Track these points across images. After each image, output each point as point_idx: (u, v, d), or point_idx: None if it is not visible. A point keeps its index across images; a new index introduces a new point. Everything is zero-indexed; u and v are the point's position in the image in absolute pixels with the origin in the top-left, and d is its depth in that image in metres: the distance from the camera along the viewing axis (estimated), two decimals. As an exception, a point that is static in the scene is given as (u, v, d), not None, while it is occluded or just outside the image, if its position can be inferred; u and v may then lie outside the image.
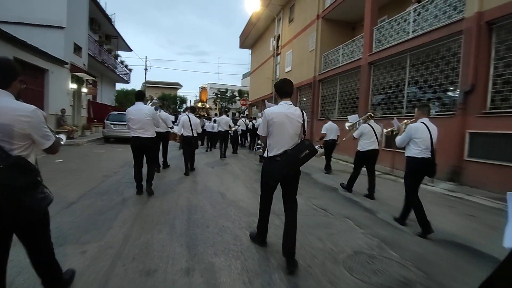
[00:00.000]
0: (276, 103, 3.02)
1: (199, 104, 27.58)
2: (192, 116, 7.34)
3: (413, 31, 8.88)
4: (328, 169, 8.47)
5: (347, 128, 6.41)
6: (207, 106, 27.62)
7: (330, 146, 8.48)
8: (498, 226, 4.20)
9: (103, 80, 22.98)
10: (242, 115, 33.36)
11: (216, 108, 27.40)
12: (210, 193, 5.31)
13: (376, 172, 8.62)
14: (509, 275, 1.09)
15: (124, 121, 13.26)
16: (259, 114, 13.84)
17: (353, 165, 6.21)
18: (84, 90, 16.27)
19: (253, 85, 29.63)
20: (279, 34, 21.15)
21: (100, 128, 16.10)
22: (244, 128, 14.71)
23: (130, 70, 29.00)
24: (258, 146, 9.29)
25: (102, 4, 19.23)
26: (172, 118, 8.74)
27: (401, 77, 9.42)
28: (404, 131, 4.12)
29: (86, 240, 3.10)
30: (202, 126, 15.58)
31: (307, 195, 5.64)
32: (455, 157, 7.04)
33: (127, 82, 28.93)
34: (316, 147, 2.82)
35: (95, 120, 17.77)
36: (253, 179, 6.85)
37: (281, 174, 2.72)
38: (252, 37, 27.38)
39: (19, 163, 1.59)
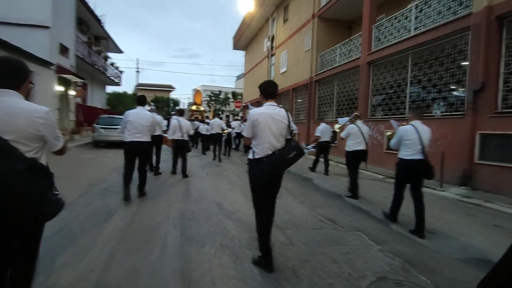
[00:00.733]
0: (260, 105, 2.97)
1: (194, 107, 27.10)
2: (181, 119, 7.27)
3: (415, 29, 8.53)
4: (326, 170, 8.42)
5: (336, 130, 6.47)
6: (202, 108, 27.12)
7: (324, 148, 8.49)
8: (528, 238, 3.80)
9: (94, 83, 22.27)
10: (236, 117, 32.97)
11: (210, 111, 26.84)
12: (205, 203, 4.81)
13: (380, 176, 8.34)
14: (508, 272, 0.87)
15: (115, 125, 12.95)
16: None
17: (346, 167, 6.12)
18: (72, 92, 15.61)
19: (247, 87, 29.18)
20: (273, 35, 20.76)
21: (91, 132, 15.45)
22: (239, 131, 14.54)
23: (121, 72, 28.30)
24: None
25: (91, 5, 18.62)
26: (165, 122, 8.60)
27: (402, 76, 9.05)
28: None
29: (62, 263, 2.62)
30: (196, 129, 15.53)
31: (311, 203, 5.19)
32: (465, 160, 6.66)
33: (118, 84, 28.17)
34: (309, 146, 2.79)
35: (85, 124, 17.09)
36: (251, 185, 6.36)
37: (268, 175, 2.68)
38: (245, 38, 26.95)
39: (36, 165, 1.55)
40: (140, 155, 4.93)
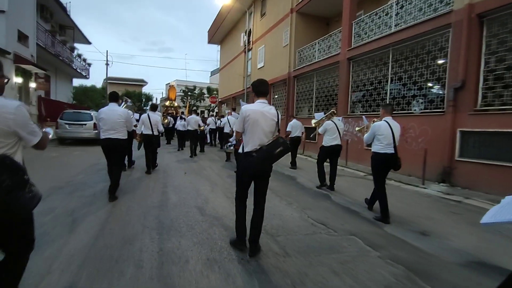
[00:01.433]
0: (251, 101, 3.12)
1: (167, 103, 26.16)
2: (152, 114, 7.31)
3: (395, 25, 8.50)
4: (293, 164, 8.84)
5: (313, 124, 6.75)
6: (176, 104, 26.23)
7: (295, 143, 8.80)
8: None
9: (58, 75, 20.68)
10: (211, 113, 32.24)
11: (185, 107, 25.95)
12: (186, 208, 4.37)
13: (361, 174, 8.28)
14: None
15: (81, 121, 12.03)
16: (227, 112, 13.93)
17: (316, 160, 6.50)
18: (33, 85, 14.31)
19: (222, 82, 28.53)
20: (250, 29, 20.32)
21: (54, 128, 14.27)
22: (214, 127, 14.67)
23: (89, 64, 26.63)
24: (229, 144, 8.66)
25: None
26: (137, 116, 8.51)
27: (383, 73, 9.03)
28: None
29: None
30: (173, 125, 15.15)
31: (299, 205, 4.91)
32: (445, 157, 6.70)
33: (85, 77, 26.47)
34: None
35: (48, 119, 15.76)
36: (232, 186, 5.92)
37: (256, 169, 2.84)
38: (221, 32, 26.24)
39: (4, 162, 1.52)
40: (114, 153, 4.80)
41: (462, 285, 2.61)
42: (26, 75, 13.32)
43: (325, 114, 6.56)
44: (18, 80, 12.63)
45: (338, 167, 8.97)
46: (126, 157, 7.20)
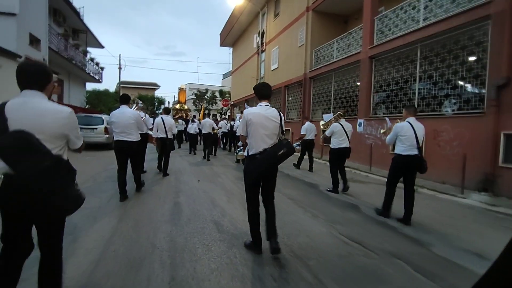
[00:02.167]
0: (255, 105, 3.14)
1: (177, 106, 26.04)
2: (165, 117, 7.36)
3: (424, 19, 7.85)
4: (310, 168, 8.74)
5: (321, 126, 6.67)
6: (186, 107, 26.07)
7: (308, 145, 8.81)
8: None
9: (71, 79, 20.71)
10: (223, 116, 31.92)
11: (200, 110, 25.69)
12: (201, 223, 3.87)
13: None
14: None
15: (93, 125, 11.80)
16: (238, 116, 14.03)
17: (329, 164, 6.29)
18: (46, 89, 14.22)
19: (235, 85, 28.15)
20: (263, 30, 19.88)
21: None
22: (226, 130, 14.53)
23: (102, 68, 26.67)
24: (239, 149, 8.27)
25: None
26: (151, 120, 8.35)
27: (410, 71, 8.37)
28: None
29: None
30: (185, 128, 15.19)
31: (326, 218, 4.35)
32: (487, 163, 6.00)
33: (98, 81, 26.55)
34: (294, 145, 2.59)
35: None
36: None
37: (261, 171, 2.84)
38: (233, 34, 25.91)
39: (61, 162, 1.65)
40: (128, 155, 4.90)
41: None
42: (39, 79, 13.20)
43: (333, 115, 6.48)
44: (31, 84, 12.50)
45: (361, 173, 8.56)
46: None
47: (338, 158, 5.97)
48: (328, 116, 6.69)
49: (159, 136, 7.17)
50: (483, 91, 6.41)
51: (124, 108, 4.90)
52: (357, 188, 6.65)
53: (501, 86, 5.86)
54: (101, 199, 4.80)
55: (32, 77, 1.74)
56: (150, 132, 7.31)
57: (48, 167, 1.54)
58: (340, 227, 3.98)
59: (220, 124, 15.14)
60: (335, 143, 5.92)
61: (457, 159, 6.46)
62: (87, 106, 24.00)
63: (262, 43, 19.95)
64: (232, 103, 28.90)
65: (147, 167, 7.69)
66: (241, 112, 13.07)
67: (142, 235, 3.34)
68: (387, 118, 5.55)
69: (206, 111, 23.47)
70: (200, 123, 12.87)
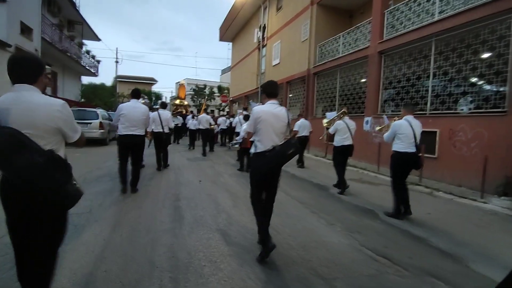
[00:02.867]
0: (262, 102, 3.14)
1: (177, 101, 25.53)
2: (162, 111, 7.36)
3: (440, 12, 7.40)
4: (300, 162, 8.99)
5: (324, 124, 6.60)
6: (186, 103, 25.55)
7: (302, 142, 8.74)
8: None
9: (65, 72, 20.02)
10: (222, 112, 31.42)
11: (201, 106, 25.22)
12: (205, 232, 3.42)
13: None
14: None
15: (87, 119, 11.25)
16: (238, 112, 13.79)
17: (332, 162, 6.31)
18: (38, 81, 13.64)
19: (234, 81, 27.59)
20: (265, 24, 19.34)
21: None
22: (225, 127, 14.47)
23: (98, 61, 26.00)
24: (233, 142, 8.05)
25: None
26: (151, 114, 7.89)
27: (423, 67, 7.93)
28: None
29: None
30: (182, 124, 15.12)
31: (343, 226, 3.93)
32: (509, 166, 5.60)
33: (94, 74, 25.87)
34: None
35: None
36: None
37: (269, 168, 2.84)
38: (234, 29, 25.30)
39: (53, 157, 1.55)
40: (133, 149, 4.90)
41: None
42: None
43: (337, 113, 6.40)
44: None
45: (369, 173, 8.16)
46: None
47: (341, 155, 5.91)
48: (331, 114, 6.62)
49: (155, 130, 7.14)
50: (505, 88, 6.00)
51: (136, 103, 4.90)
52: (367, 190, 6.27)
53: (527, 83, 5.45)
54: (91, 202, 4.34)
55: (24, 70, 1.66)
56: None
57: (40, 164, 1.47)
58: (360, 237, 3.56)
59: (219, 120, 14.89)
60: (338, 141, 5.89)
61: (476, 161, 6.07)
62: (82, 100, 23.38)
63: (263, 38, 19.42)
64: (231, 99, 28.37)
65: (145, 161, 7.25)
66: (243, 109, 12.74)
67: (138, 249, 2.88)
68: (384, 116, 5.79)
69: (205, 107, 23.01)
70: (198, 118, 12.78)
